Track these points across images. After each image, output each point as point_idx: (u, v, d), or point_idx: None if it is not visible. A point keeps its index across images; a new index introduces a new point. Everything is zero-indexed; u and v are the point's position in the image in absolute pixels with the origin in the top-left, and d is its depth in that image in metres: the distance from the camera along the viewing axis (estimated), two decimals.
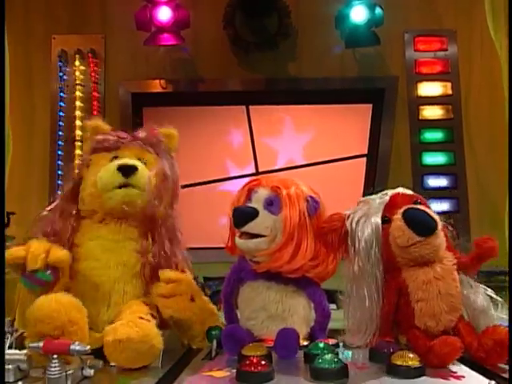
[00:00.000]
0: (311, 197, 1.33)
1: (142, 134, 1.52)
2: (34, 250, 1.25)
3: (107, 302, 1.34)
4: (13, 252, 1.26)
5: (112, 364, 1.19)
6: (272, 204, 1.33)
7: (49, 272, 1.26)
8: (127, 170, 1.39)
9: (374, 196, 1.39)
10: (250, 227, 1.31)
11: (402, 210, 1.27)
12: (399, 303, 1.30)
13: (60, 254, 1.29)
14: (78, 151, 3.56)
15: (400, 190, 1.38)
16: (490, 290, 1.34)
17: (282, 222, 1.30)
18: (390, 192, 1.37)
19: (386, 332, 1.30)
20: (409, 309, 1.28)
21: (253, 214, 1.31)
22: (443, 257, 1.30)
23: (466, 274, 1.33)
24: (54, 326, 1.11)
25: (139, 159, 1.45)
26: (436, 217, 1.27)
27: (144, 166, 1.44)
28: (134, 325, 1.18)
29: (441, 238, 1.28)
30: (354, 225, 1.32)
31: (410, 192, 1.38)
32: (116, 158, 1.45)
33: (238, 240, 1.35)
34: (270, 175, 1.50)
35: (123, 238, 1.41)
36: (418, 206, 1.29)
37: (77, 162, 1.56)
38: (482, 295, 1.32)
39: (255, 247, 1.32)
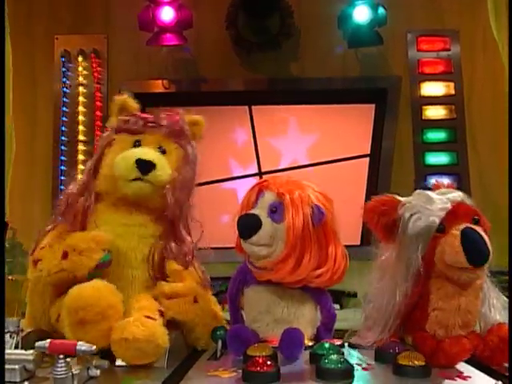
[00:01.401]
0: (317, 206, 1.30)
1: (165, 120, 1.49)
2: (90, 243, 1.28)
3: (115, 286, 1.32)
4: (77, 261, 1.26)
5: (118, 364, 1.19)
6: (276, 211, 1.32)
7: (106, 253, 1.30)
8: (145, 167, 1.37)
9: (434, 193, 1.31)
10: (254, 241, 1.30)
11: (461, 227, 1.22)
12: (416, 305, 1.28)
13: (104, 237, 1.32)
14: (80, 151, 3.57)
15: (460, 197, 1.30)
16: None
17: (284, 232, 1.29)
18: (452, 196, 1.29)
19: (395, 332, 1.29)
20: (423, 313, 1.27)
21: (256, 226, 1.29)
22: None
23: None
24: (95, 311, 1.14)
25: (160, 147, 1.45)
26: (489, 246, 1.21)
27: (162, 156, 1.43)
28: (140, 324, 1.18)
29: (486, 269, 1.25)
30: (406, 217, 1.27)
31: (472, 204, 1.31)
32: (138, 142, 1.44)
33: (242, 243, 1.35)
34: (280, 176, 1.48)
35: (133, 224, 1.41)
36: (477, 228, 1.23)
37: (100, 136, 1.53)
38: (499, 314, 1.30)
39: (259, 252, 1.32)
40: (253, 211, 1.34)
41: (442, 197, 1.29)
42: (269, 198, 1.34)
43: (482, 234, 1.22)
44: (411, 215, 1.27)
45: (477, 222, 1.27)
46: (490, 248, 1.21)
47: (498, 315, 1.29)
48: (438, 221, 1.24)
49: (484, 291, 1.30)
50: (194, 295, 1.36)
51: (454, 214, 1.25)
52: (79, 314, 1.14)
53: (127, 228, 1.41)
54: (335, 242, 1.34)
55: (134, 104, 1.53)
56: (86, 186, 1.46)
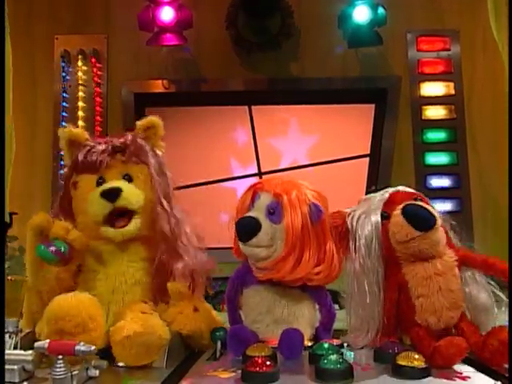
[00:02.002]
0: (314, 204, 1.32)
1: (118, 144, 1.44)
2: (58, 223, 1.30)
3: (106, 312, 1.33)
4: (38, 218, 1.29)
5: (117, 364, 1.19)
6: (274, 213, 1.32)
7: (66, 245, 1.27)
8: (110, 195, 1.35)
9: (375, 194, 1.40)
10: (254, 243, 1.31)
11: (401, 206, 1.28)
12: (400, 300, 1.31)
13: (79, 234, 1.31)
14: None
15: (400, 187, 1.39)
16: (493, 283, 1.34)
17: (283, 232, 1.29)
18: (391, 189, 1.38)
19: (390, 331, 1.30)
20: (409, 305, 1.29)
21: (255, 229, 1.30)
22: (443, 253, 1.31)
23: (469, 267, 1.33)
24: (75, 323, 1.12)
25: (126, 175, 1.42)
26: (435, 213, 1.28)
27: (128, 183, 1.40)
28: (138, 319, 1.19)
29: (440, 233, 1.29)
30: (354, 222, 1.34)
31: (410, 190, 1.39)
32: (101, 179, 1.41)
33: (241, 245, 1.34)
34: (273, 177, 1.49)
35: (120, 249, 1.40)
36: (418, 203, 1.31)
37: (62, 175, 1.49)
38: (484, 292, 1.32)
39: (259, 254, 1.32)
40: (250, 214, 1.34)
41: (380, 193, 1.39)
42: (265, 199, 1.34)
43: (422, 204, 1.29)
44: (358, 218, 1.34)
45: (419, 201, 1.33)
46: (433, 212, 1.27)
47: (483, 297, 1.31)
48: (379, 211, 1.32)
49: (463, 271, 1.32)
50: (192, 305, 1.36)
51: (392, 200, 1.34)
52: (58, 324, 1.12)
53: (114, 254, 1.39)
54: (332, 239, 1.35)
55: (80, 133, 1.47)
56: None
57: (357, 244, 1.33)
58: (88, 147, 1.43)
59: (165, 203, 1.43)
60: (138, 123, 1.51)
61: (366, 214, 1.34)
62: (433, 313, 1.26)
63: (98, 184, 1.40)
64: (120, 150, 1.43)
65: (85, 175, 1.43)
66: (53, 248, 1.26)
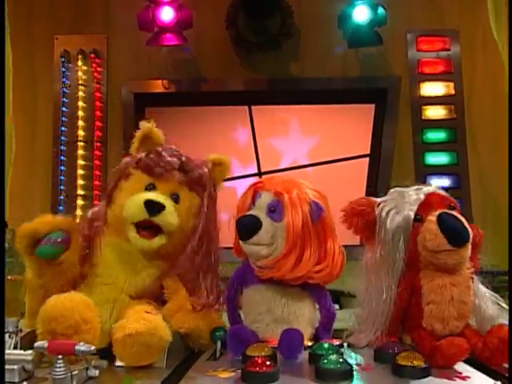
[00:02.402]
0: (315, 202, 1.32)
1: (186, 166, 1.44)
2: (38, 221, 1.29)
3: (111, 310, 1.33)
4: (23, 227, 1.29)
5: (117, 364, 1.19)
6: (274, 211, 1.32)
7: (58, 232, 1.27)
8: (153, 208, 1.34)
9: (408, 189, 1.35)
10: (255, 241, 1.31)
11: (437, 213, 1.25)
12: (410, 302, 1.30)
13: (61, 218, 1.32)
14: (80, 151, 3.57)
15: (433, 188, 1.35)
16: (501, 299, 1.34)
17: (284, 230, 1.29)
18: (425, 189, 1.34)
19: (393, 330, 1.30)
20: (418, 309, 1.28)
21: (256, 227, 1.30)
22: (464, 266, 1.29)
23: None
24: (67, 324, 1.11)
25: (174, 194, 1.41)
26: (469, 227, 1.25)
27: (174, 204, 1.39)
28: (141, 318, 1.19)
29: (469, 251, 1.27)
30: (383, 214, 1.31)
31: (445, 194, 1.35)
32: (151, 186, 1.40)
33: (242, 244, 1.35)
34: (274, 176, 1.48)
35: (137, 254, 1.39)
36: (453, 212, 1.27)
37: (121, 162, 1.46)
38: (492, 306, 1.32)
39: (259, 252, 1.32)
40: (251, 212, 1.34)
41: (413, 189, 1.34)
42: (266, 198, 1.35)
43: (459, 216, 1.26)
44: (388, 212, 1.30)
45: (453, 209, 1.30)
46: (468, 228, 1.24)
47: (492, 309, 1.31)
48: (413, 212, 1.28)
49: (475, 283, 1.32)
50: (190, 302, 1.36)
51: (428, 203, 1.30)
52: (51, 324, 1.11)
53: (130, 256, 1.38)
54: (333, 238, 1.36)
55: (159, 135, 1.47)
56: (99, 214, 1.44)
57: (382, 237, 1.30)
58: (160, 152, 1.43)
59: (194, 244, 1.40)
60: (210, 156, 1.50)
61: (398, 210, 1.30)
62: (440, 320, 1.26)
63: (147, 189, 1.40)
64: (185, 171, 1.43)
65: (141, 173, 1.42)
66: (51, 240, 1.25)
